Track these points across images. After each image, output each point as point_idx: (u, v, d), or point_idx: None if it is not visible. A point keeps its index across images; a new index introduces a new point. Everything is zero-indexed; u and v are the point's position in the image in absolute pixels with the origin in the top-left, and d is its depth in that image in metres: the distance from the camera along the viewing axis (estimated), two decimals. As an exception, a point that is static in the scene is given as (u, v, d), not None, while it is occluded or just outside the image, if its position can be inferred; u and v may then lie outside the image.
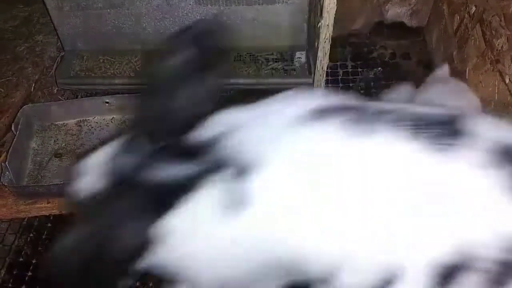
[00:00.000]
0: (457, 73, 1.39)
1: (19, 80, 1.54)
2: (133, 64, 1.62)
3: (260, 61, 1.62)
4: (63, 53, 1.66)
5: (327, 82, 1.60)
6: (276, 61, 1.63)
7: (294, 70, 1.62)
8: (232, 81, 1.53)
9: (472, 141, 0.62)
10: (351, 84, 1.67)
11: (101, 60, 1.62)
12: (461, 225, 0.60)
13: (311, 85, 1.52)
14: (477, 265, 0.59)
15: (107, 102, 1.43)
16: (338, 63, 1.73)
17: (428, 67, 1.64)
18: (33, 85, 1.56)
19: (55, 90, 1.62)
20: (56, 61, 1.66)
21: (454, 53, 1.45)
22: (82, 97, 1.56)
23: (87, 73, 1.61)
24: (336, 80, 1.69)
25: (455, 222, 0.60)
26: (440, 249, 0.60)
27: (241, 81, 1.55)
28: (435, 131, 0.64)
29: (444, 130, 0.64)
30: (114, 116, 1.46)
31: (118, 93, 1.47)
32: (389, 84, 1.64)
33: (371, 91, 1.64)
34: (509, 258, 0.58)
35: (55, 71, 1.63)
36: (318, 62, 1.40)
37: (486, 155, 0.60)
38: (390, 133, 0.65)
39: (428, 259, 0.60)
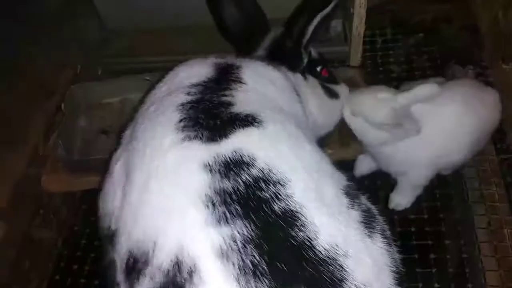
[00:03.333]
0: (503, 36, 1.33)
1: (65, 62, 1.62)
2: (174, 41, 1.65)
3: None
4: (106, 34, 1.72)
5: (364, 51, 1.58)
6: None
7: (330, 40, 1.59)
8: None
9: None
10: (390, 52, 1.64)
11: (142, 38, 1.67)
12: (148, 216, 0.63)
13: (347, 53, 1.50)
14: (148, 266, 0.60)
15: (147, 79, 1.47)
16: (377, 31, 1.69)
17: (473, 31, 1.57)
18: (79, 67, 1.64)
19: (99, 71, 1.69)
20: (99, 41, 1.72)
21: (500, 14, 1.38)
22: (125, 76, 1.62)
23: (129, 52, 1.66)
24: (374, 49, 1.65)
25: (145, 211, 0.64)
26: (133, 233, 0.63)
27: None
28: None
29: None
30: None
31: (159, 70, 1.51)
32: (431, 50, 1.60)
33: (411, 58, 1.60)
34: (173, 276, 0.58)
35: (98, 52, 1.70)
36: (354, 28, 1.38)
37: (213, 159, 0.65)
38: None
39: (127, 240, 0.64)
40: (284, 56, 1.05)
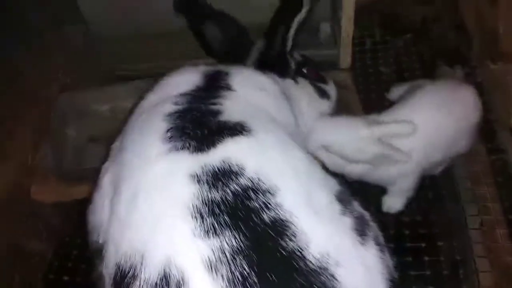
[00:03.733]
0: (491, 35, 1.34)
1: (53, 70, 1.60)
2: (162, 46, 1.64)
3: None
4: (93, 40, 1.70)
5: (354, 53, 1.57)
6: (300, 34, 1.60)
7: (320, 43, 1.59)
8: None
9: None
10: (379, 54, 1.64)
11: (130, 45, 1.65)
12: (137, 229, 0.63)
13: (337, 56, 1.50)
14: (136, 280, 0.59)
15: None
16: (366, 33, 1.70)
17: (461, 31, 1.58)
18: (67, 75, 1.62)
19: (87, 79, 1.67)
20: (86, 48, 1.71)
21: (487, 13, 1.39)
22: (114, 83, 1.60)
23: (117, 59, 1.65)
24: (364, 50, 1.66)
25: (133, 223, 0.63)
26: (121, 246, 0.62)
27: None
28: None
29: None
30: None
31: (147, 76, 1.50)
32: (420, 51, 1.60)
33: (400, 59, 1.60)
34: None
35: (85, 59, 1.68)
36: (343, 30, 1.37)
37: (201, 169, 0.65)
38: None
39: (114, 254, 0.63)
40: (271, 65, 1.06)
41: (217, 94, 0.81)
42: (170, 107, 0.77)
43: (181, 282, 0.55)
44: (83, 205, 1.32)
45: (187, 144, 0.67)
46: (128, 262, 0.60)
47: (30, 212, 1.32)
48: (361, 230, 0.69)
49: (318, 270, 0.57)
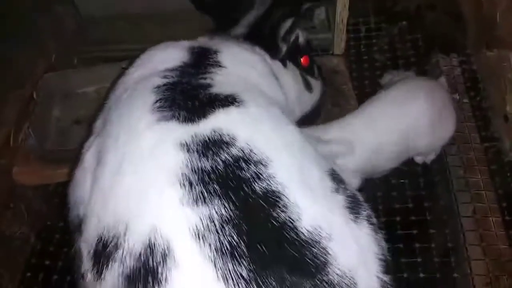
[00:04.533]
0: (487, 21, 1.32)
1: (40, 50, 1.55)
2: (151, 28, 1.60)
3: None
4: (81, 21, 1.66)
5: (348, 40, 1.55)
6: (294, 19, 1.57)
7: (314, 27, 1.56)
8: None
9: None
10: (374, 41, 1.61)
11: (119, 27, 1.62)
12: (121, 198, 0.60)
13: (330, 41, 1.47)
14: (119, 251, 0.55)
15: (124, 68, 1.42)
16: (360, 20, 1.66)
17: (457, 18, 1.56)
18: (53, 56, 1.57)
19: (75, 60, 1.63)
20: (74, 29, 1.66)
21: (483, -2, 1.36)
22: (100, 64, 1.56)
23: (105, 40, 1.60)
24: (358, 38, 1.62)
25: (118, 193, 0.61)
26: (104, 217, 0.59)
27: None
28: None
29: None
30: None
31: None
32: (414, 38, 1.58)
33: (395, 46, 1.58)
34: (146, 259, 0.53)
35: (74, 41, 1.64)
36: (337, 15, 1.35)
37: (191, 139, 0.62)
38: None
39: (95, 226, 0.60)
40: (262, 41, 1.01)
41: (206, 70, 0.79)
42: (158, 80, 0.74)
43: (166, 251, 0.52)
44: (66, 187, 1.32)
45: (177, 114, 0.65)
46: (111, 232, 0.57)
47: (11, 195, 1.28)
48: (354, 209, 0.66)
49: (310, 242, 0.55)
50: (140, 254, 0.53)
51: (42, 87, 1.40)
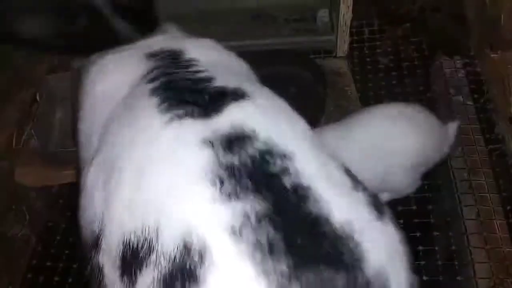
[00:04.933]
0: (491, 23, 1.31)
1: (41, 54, 1.56)
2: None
3: (279, 22, 1.56)
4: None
5: (352, 42, 1.55)
6: (296, 21, 1.57)
7: (317, 29, 1.56)
8: (248, 42, 1.49)
9: None
10: (377, 43, 1.61)
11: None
12: (149, 202, 0.56)
13: (334, 43, 1.47)
14: (154, 255, 0.52)
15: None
16: (364, 22, 1.66)
17: (461, 20, 1.55)
18: (56, 57, 1.58)
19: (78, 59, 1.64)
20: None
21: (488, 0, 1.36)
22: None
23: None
24: (362, 40, 1.62)
25: (145, 197, 0.57)
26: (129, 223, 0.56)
27: (259, 42, 1.51)
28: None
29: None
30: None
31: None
32: (418, 41, 1.57)
33: (399, 48, 1.57)
34: (182, 261, 0.50)
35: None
36: (341, 16, 1.34)
37: (212, 134, 0.58)
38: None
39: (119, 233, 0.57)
40: None
41: (194, 66, 0.74)
42: (149, 86, 0.70)
43: (202, 250, 0.50)
44: (69, 190, 1.32)
45: (190, 111, 0.62)
46: (140, 237, 0.54)
47: (13, 197, 1.28)
48: (377, 207, 0.62)
49: (344, 237, 0.53)
50: (175, 256, 0.51)
51: (45, 89, 1.41)
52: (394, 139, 1.04)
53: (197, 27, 1.57)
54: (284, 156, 0.57)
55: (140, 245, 0.53)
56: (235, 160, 0.55)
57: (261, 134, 0.59)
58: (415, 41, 1.57)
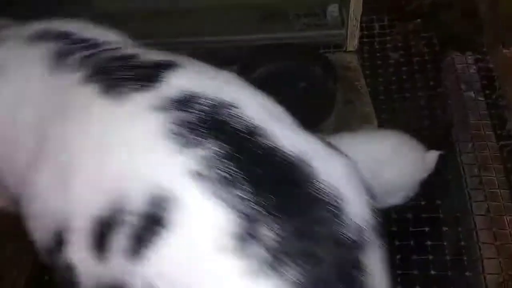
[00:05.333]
0: (504, 19, 1.30)
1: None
2: (164, 23, 1.62)
3: (289, 16, 1.56)
4: (95, 16, 1.67)
5: (362, 37, 1.54)
6: (307, 16, 1.57)
7: (327, 24, 1.55)
8: (259, 36, 1.49)
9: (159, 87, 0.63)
10: (388, 38, 1.60)
11: (132, 22, 1.63)
12: (114, 174, 0.59)
13: (344, 37, 1.46)
14: (124, 218, 0.55)
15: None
16: (374, 17, 1.65)
17: (473, 15, 1.54)
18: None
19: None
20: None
21: (501, -5, 1.35)
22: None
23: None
24: (372, 35, 1.61)
25: (109, 171, 0.59)
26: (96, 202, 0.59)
27: (269, 36, 1.51)
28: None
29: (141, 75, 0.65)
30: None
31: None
32: (429, 36, 1.56)
33: (409, 44, 1.56)
34: (152, 212, 0.54)
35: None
36: (351, 11, 1.34)
37: (161, 100, 0.60)
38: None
39: (87, 215, 0.59)
40: None
41: (105, 44, 0.76)
42: (77, 74, 0.69)
43: (170, 198, 0.53)
44: None
45: (133, 87, 0.63)
46: (112, 208, 0.56)
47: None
48: (330, 145, 0.68)
49: (296, 161, 0.58)
50: (145, 211, 0.54)
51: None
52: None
53: (208, 21, 1.60)
54: (231, 106, 0.61)
55: (110, 215, 0.56)
56: (187, 115, 0.59)
57: (208, 92, 0.62)
58: (426, 36, 1.56)
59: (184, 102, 0.60)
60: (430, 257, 1.08)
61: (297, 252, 0.52)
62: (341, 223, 0.56)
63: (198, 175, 0.54)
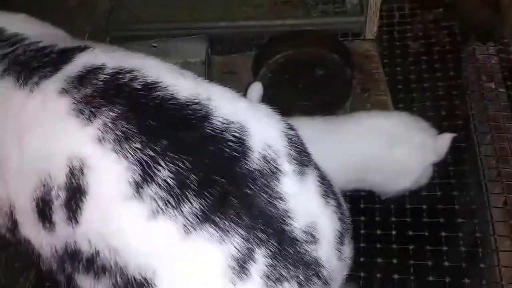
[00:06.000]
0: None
1: (72, 32, 1.58)
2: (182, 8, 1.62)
3: (308, 3, 1.55)
4: (114, 1, 1.69)
5: (381, 25, 1.52)
6: (326, 3, 1.55)
7: (346, 12, 1.54)
8: (278, 22, 1.48)
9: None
10: (408, 27, 1.57)
11: (150, 7, 1.63)
12: (34, 159, 0.65)
13: (363, 25, 1.44)
14: (54, 193, 0.62)
15: (154, 46, 1.44)
16: (394, 5, 1.63)
17: (494, 5, 1.50)
18: (87, 35, 1.60)
19: (108, 39, 1.66)
20: (107, 11, 1.69)
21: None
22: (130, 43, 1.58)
23: (137, 20, 1.63)
24: (392, 24, 1.59)
25: (30, 158, 0.66)
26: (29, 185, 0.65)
27: (288, 22, 1.49)
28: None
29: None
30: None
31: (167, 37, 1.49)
32: (450, 26, 1.53)
33: (430, 33, 1.54)
34: (72, 182, 0.61)
35: (106, 21, 1.66)
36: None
37: (66, 83, 0.67)
38: None
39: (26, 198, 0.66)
40: None
41: (25, 39, 0.79)
42: None
43: (82, 165, 0.60)
44: None
45: (43, 74, 0.69)
46: (42, 187, 0.63)
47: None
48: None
49: (189, 103, 0.63)
50: (66, 182, 0.61)
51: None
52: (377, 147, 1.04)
53: (227, 8, 1.59)
54: (132, 70, 0.66)
55: (44, 193, 0.64)
56: (88, 90, 0.65)
57: (109, 64, 0.68)
58: (447, 26, 1.53)
59: (86, 77, 0.66)
60: (445, 248, 1.07)
61: (195, 183, 0.57)
62: (240, 154, 0.61)
63: (100, 140, 0.60)
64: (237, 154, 0.61)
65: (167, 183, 0.57)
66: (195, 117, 0.62)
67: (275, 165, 0.62)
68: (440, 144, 1.05)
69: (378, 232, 1.14)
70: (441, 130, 1.17)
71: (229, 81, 1.39)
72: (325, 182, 0.68)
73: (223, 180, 0.58)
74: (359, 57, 1.42)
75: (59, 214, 0.62)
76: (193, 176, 0.57)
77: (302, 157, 0.66)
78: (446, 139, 1.05)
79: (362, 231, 1.14)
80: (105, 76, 0.66)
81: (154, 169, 0.58)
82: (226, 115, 0.63)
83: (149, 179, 0.57)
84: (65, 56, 0.72)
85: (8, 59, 0.75)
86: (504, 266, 1.02)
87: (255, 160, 0.61)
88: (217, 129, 0.61)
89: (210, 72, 1.45)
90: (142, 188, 0.57)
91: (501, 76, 1.34)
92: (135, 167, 0.58)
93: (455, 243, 1.08)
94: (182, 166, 0.58)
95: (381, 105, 1.32)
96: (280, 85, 1.39)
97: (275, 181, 0.61)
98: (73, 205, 0.61)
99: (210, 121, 0.62)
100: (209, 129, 0.61)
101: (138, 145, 0.59)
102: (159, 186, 0.57)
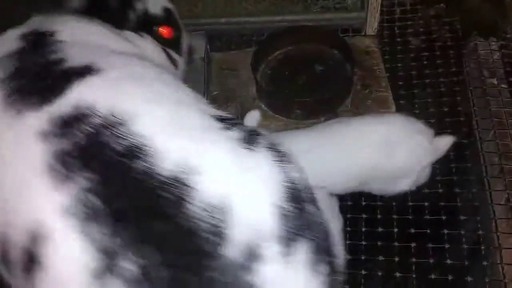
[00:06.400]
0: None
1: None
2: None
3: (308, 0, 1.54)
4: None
5: (382, 21, 1.51)
6: (326, -1, 1.54)
7: (346, 8, 1.52)
8: (278, 18, 1.47)
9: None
10: (409, 23, 1.56)
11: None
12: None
13: (363, 21, 1.43)
14: (11, 250, 0.58)
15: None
16: (396, 1, 1.61)
17: (497, 1, 1.49)
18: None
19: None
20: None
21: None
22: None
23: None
24: (393, 19, 1.58)
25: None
26: None
27: (288, 18, 1.48)
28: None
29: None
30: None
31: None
32: (452, 21, 1.52)
33: (431, 29, 1.52)
34: (30, 248, 0.56)
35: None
36: (371, -7, 1.31)
37: (49, 124, 0.60)
38: None
39: None
40: (104, 11, 0.92)
41: (51, 50, 0.73)
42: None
43: (43, 234, 0.55)
44: None
45: (29, 102, 0.63)
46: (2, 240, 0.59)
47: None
48: (250, 139, 0.64)
49: (169, 181, 0.56)
50: (25, 246, 0.57)
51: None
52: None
53: (227, 3, 1.58)
54: (118, 123, 0.59)
55: (4, 246, 0.59)
56: (67, 144, 0.58)
57: (98, 108, 0.61)
58: (449, 21, 1.52)
59: (70, 124, 0.60)
60: (447, 245, 1.06)
61: (163, 281, 0.52)
62: (212, 251, 0.54)
63: (67, 212, 0.55)
64: (209, 251, 0.54)
65: (133, 275, 0.52)
66: (170, 201, 0.55)
67: (255, 253, 0.56)
68: (438, 146, 1.03)
69: (380, 229, 1.13)
70: (443, 126, 1.15)
71: (228, 78, 1.39)
72: (321, 247, 0.61)
73: (192, 278, 0.53)
74: (360, 53, 1.40)
75: (16, 268, 0.59)
76: (162, 272, 0.53)
77: (296, 222, 0.59)
78: (446, 142, 1.04)
79: (364, 229, 1.13)
80: (88, 128, 0.59)
81: (118, 259, 0.53)
82: (209, 198, 0.56)
83: (111, 270, 0.52)
84: (62, 82, 0.65)
85: (12, 69, 0.69)
86: (507, 264, 1.01)
87: (231, 254, 0.54)
88: (192, 219, 0.54)
89: (209, 69, 1.44)
90: (103, 280, 0.53)
91: (503, 72, 1.33)
92: (97, 254, 0.53)
93: (457, 240, 1.07)
94: (153, 259, 0.53)
95: (382, 101, 1.30)
96: (280, 81, 1.38)
97: (250, 276, 0.55)
98: (27, 268, 0.57)
99: (186, 209, 0.55)
100: (182, 219, 0.54)
101: (105, 229, 0.54)
102: (122, 279, 0.52)
